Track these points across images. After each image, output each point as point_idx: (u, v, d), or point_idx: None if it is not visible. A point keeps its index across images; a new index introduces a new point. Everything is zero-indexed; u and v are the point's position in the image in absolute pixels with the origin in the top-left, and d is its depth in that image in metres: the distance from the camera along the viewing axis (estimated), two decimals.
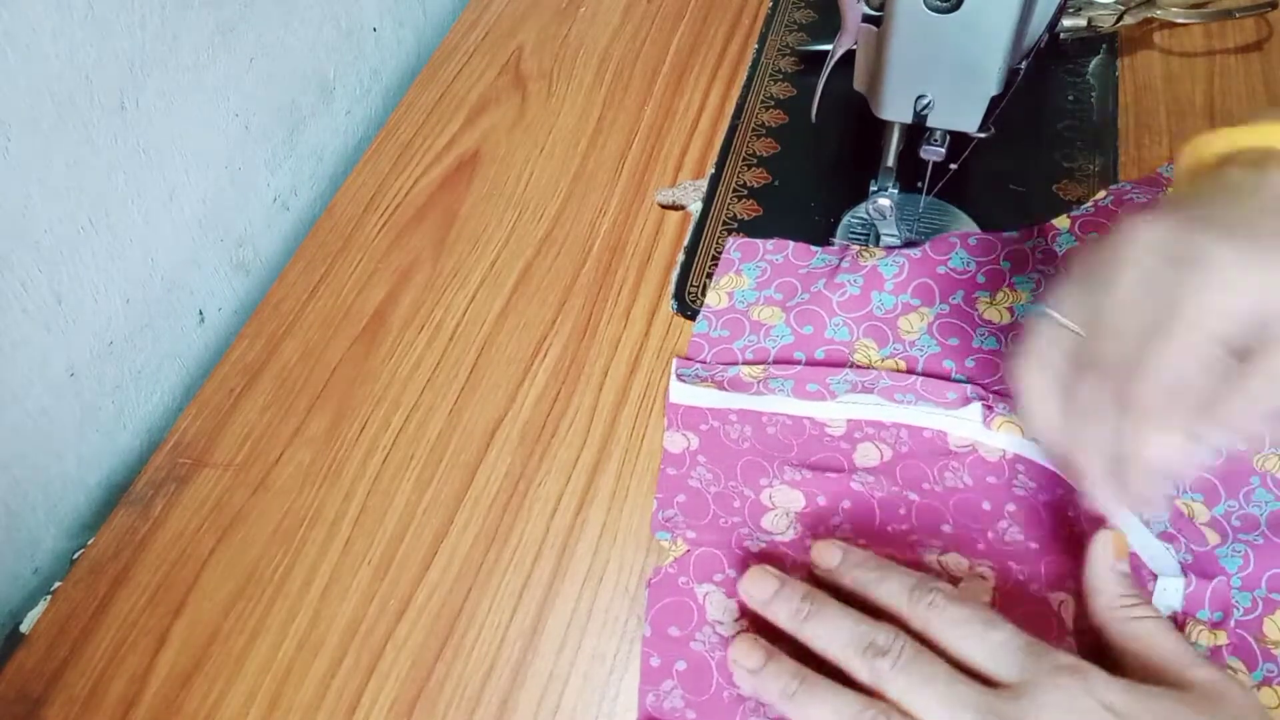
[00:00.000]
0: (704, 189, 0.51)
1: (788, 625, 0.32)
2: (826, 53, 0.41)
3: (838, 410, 0.39)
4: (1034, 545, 0.35)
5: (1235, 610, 0.33)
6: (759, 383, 0.40)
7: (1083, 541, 0.33)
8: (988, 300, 0.42)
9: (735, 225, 0.49)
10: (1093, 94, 0.53)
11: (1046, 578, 0.34)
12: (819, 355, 0.41)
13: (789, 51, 0.58)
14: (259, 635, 0.37)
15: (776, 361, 0.41)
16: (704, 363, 0.42)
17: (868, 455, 0.38)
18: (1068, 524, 0.35)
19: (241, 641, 0.37)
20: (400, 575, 0.38)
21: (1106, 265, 0.30)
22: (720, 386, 0.41)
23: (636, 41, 0.60)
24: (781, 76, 0.57)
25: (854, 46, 0.39)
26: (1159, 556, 0.34)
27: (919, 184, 0.44)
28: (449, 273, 0.49)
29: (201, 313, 0.50)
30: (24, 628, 0.38)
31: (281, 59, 0.52)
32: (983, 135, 0.38)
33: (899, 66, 0.36)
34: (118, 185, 0.42)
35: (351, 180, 0.54)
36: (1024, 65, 0.37)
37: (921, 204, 0.47)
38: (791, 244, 0.46)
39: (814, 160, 0.52)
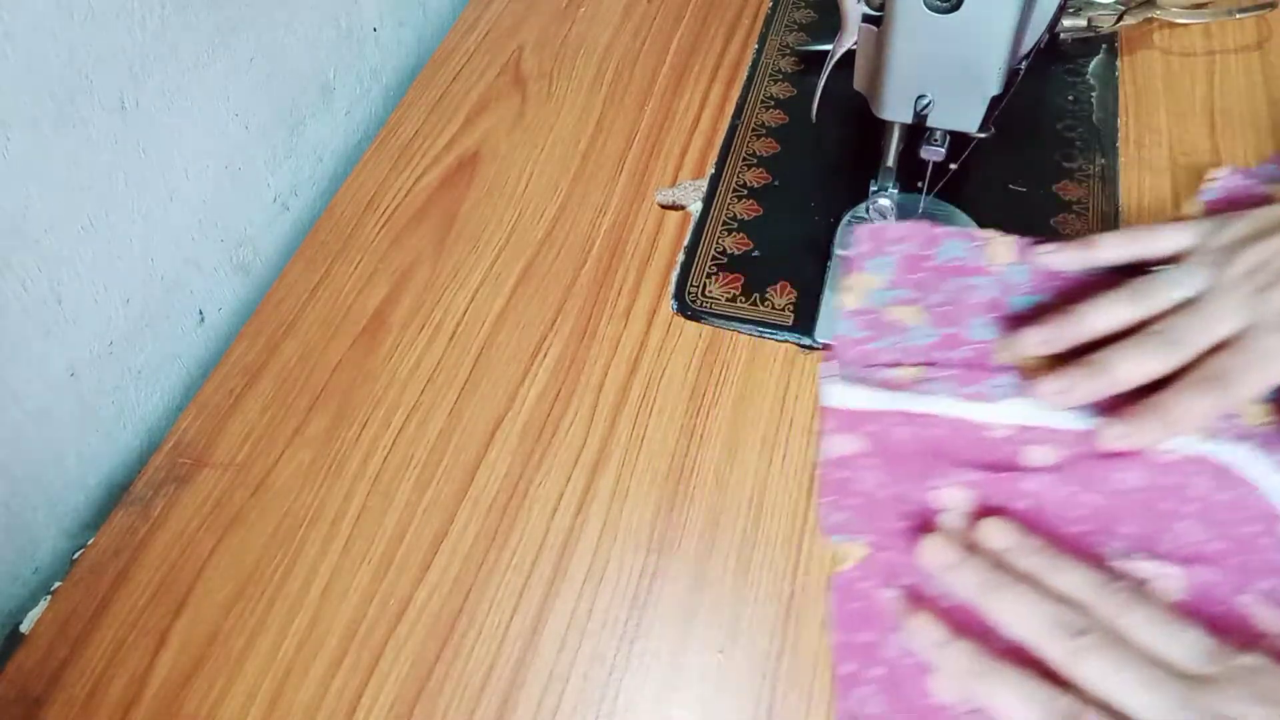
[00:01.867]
0: (704, 189, 0.51)
1: (974, 595, 0.33)
2: (826, 53, 0.41)
3: (1001, 414, 0.39)
4: (1218, 545, 0.35)
5: None
6: (916, 384, 0.40)
7: (1262, 541, 0.33)
8: None
9: (735, 225, 0.49)
10: (1093, 94, 0.53)
11: (1232, 583, 0.34)
12: (965, 355, 0.40)
13: (789, 51, 0.58)
14: (259, 635, 0.37)
15: (927, 363, 0.40)
16: (853, 365, 0.41)
17: (1035, 456, 0.38)
18: (1248, 523, 0.35)
19: (241, 641, 0.37)
20: (400, 575, 0.38)
21: None
22: (877, 388, 0.40)
23: (636, 41, 0.60)
24: (781, 76, 0.57)
25: (854, 46, 0.39)
26: None
27: (919, 184, 0.44)
28: (449, 273, 0.49)
29: (201, 313, 0.50)
30: (24, 628, 0.38)
31: (281, 59, 0.52)
32: (983, 135, 0.38)
33: (899, 66, 0.36)
34: (118, 185, 0.42)
35: (351, 180, 0.54)
36: (1024, 65, 0.37)
37: (921, 204, 0.47)
38: (908, 226, 0.43)
39: (814, 160, 0.52)
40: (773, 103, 0.55)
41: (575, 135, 0.55)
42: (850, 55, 0.39)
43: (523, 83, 0.58)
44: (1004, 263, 0.42)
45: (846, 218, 0.48)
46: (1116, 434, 0.36)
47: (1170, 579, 0.34)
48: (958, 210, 0.47)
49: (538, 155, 0.54)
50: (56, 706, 0.36)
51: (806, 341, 0.44)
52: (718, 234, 0.49)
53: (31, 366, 0.40)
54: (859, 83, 0.40)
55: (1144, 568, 0.34)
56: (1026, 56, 0.37)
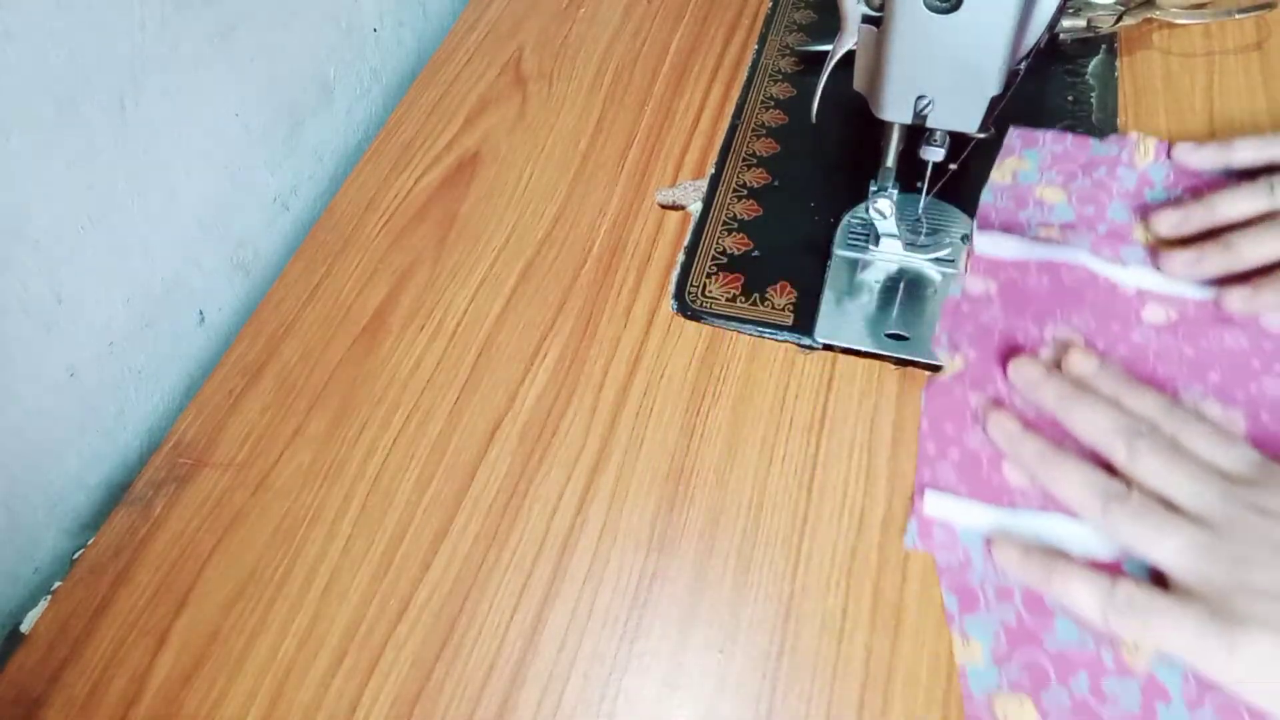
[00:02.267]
0: (704, 189, 0.51)
1: (1054, 405, 0.38)
2: (826, 53, 0.41)
3: (1128, 276, 0.44)
4: None
5: None
6: (1060, 242, 0.45)
7: None
8: None
9: (735, 225, 0.49)
10: (1092, 94, 0.53)
11: None
12: (1101, 231, 0.45)
13: (789, 51, 0.58)
14: (259, 635, 0.37)
15: (1067, 225, 0.46)
16: (1009, 224, 0.46)
17: (1154, 315, 0.43)
18: None
19: (241, 641, 0.37)
20: (400, 575, 0.38)
21: None
22: (1023, 239, 0.45)
23: (636, 41, 0.60)
24: (781, 76, 0.57)
25: (854, 47, 0.39)
26: None
27: (919, 184, 0.44)
28: (449, 273, 0.49)
29: (201, 313, 0.50)
30: (24, 628, 0.38)
31: (281, 59, 0.52)
32: (983, 135, 0.38)
33: (899, 66, 0.36)
34: (118, 185, 0.42)
35: (351, 180, 0.54)
36: (1024, 65, 0.37)
37: (921, 204, 0.47)
38: (1070, 136, 0.50)
39: (814, 160, 0.52)
40: (773, 103, 0.55)
41: (575, 135, 0.55)
42: (850, 55, 0.39)
43: (523, 83, 0.58)
44: (1146, 161, 0.48)
45: (846, 218, 0.48)
46: (1239, 297, 0.41)
47: (1234, 422, 0.38)
48: (958, 210, 0.47)
49: (538, 155, 0.54)
50: (56, 706, 0.36)
51: (806, 341, 0.44)
52: (718, 234, 0.49)
53: (31, 366, 0.40)
54: (859, 83, 0.40)
55: (1211, 407, 0.39)
56: (1026, 56, 0.37)
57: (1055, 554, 0.35)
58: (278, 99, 0.52)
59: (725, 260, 0.47)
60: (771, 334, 0.44)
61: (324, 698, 0.35)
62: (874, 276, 0.46)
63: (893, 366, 0.43)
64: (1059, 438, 0.38)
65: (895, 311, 0.44)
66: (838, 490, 0.39)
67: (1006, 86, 0.36)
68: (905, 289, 0.45)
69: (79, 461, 0.44)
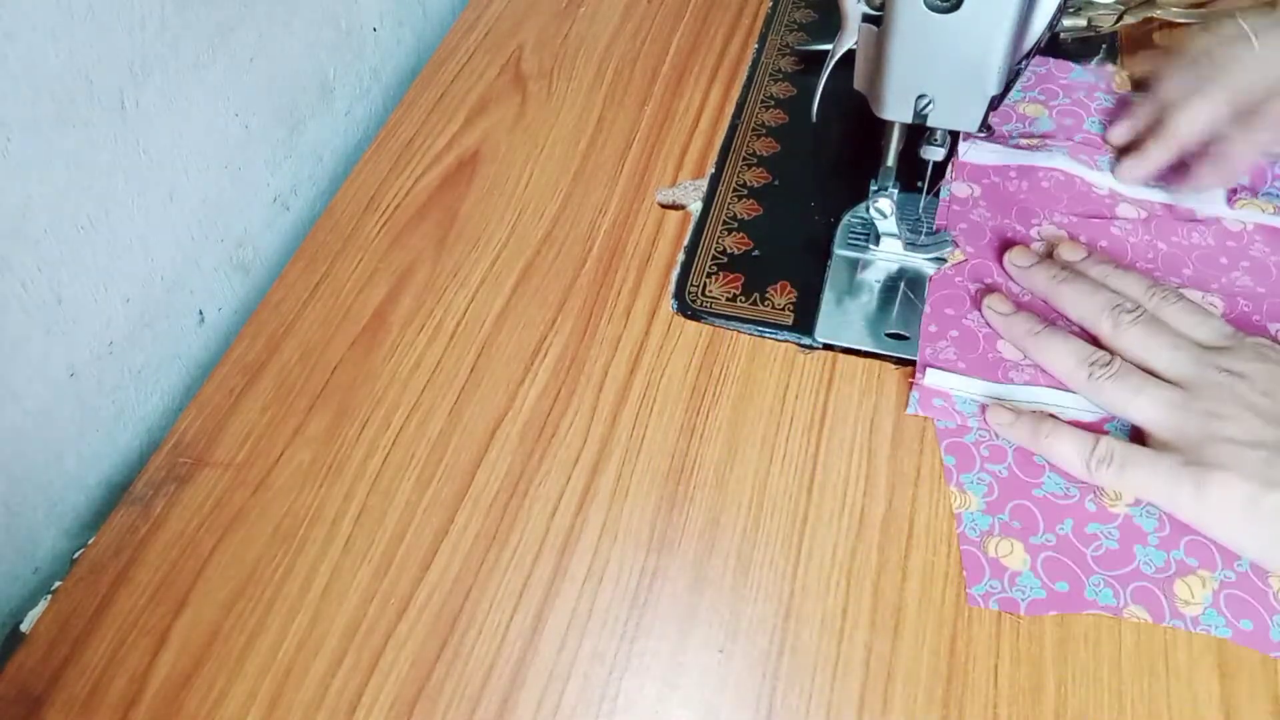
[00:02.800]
0: (704, 188, 0.51)
1: (1044, 287, 0.42)
2: (826, 52, 0.41)
3: (1103, 178, 0.48)
4: (1261, 290, 0.43)
5: None
6: (1038, 149, 0.49)
7: None
8: None
9: (735, 225, 0.49)
10: None
11: (1268, 312, 0.42)
12: (1078, 139, 0.49)
13: (789, 51, 0.58)
14: (259, 635, 0.37)
15: (1045, 136, 0.50)
16: (985, 137, 0.50)
17: (1127, 212, 0.47)
18: None
19: (241, 641, 0.37)
20: (400, 575, 0.38)
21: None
22: (1003, 147, 0.49)
23: (636, 41, 0.60)
24: (782, 76, 0.57)
25: (854, 46, 0.39)
26: None
27: (919, 184, 0.44)
28: (449, 272, 0.49)
29: (201, 313, 0.50)
30: (24, 627, 0.38)
31: (281, 59, 0.52)
32: (982, 135, 0.38)
33: (899, 66, 0.36)
34: (118, 185, 0.42)
35: (351, 180, 0.54)
36: (1024, 65, 0.37)
37: (922, 204, 0.47)
38: (1052, 59, 0.54)
39: (814, 160, 0.52)
40: (773, 102, 0.55)
41: (575, 135, 0.55)
42: (850, 55, 0.39)
43: (523, 83, 0.58)
44: (1125, 90, 0.52)
45: (846, 217, 0.48)
46: (1127, 168, 0.46)
47: (1212, 307, 0.42)
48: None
49: (538, 155, 0.54)
50: (57, 706, 0.36)
51: (806, 341, 0.44)
52: (718, 234, 0.49)
53: (31, 366, 0.40)
54: (859, 83, 0.40)
55: (1191, 293, 0.42)
56: (1026, 56, 0.37)
57: (1042, 415, 0.39)
58: (278, 99, 0.52)
59: (725, 260, 0.47)
60: (771, 334, 0.44)
61: (324, 698, 0.35)
62: (874, 276, 0.46)
63: (893, 366, 0.43)
64: (1050, 318, 0.41)
65: (895, 311, 0.44)
66: (838, 490, 0.39)
67: (1006, 86, 0.36)
68: (905, 288, 0.45)
69: (79, 461, 0.44)
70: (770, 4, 0.62)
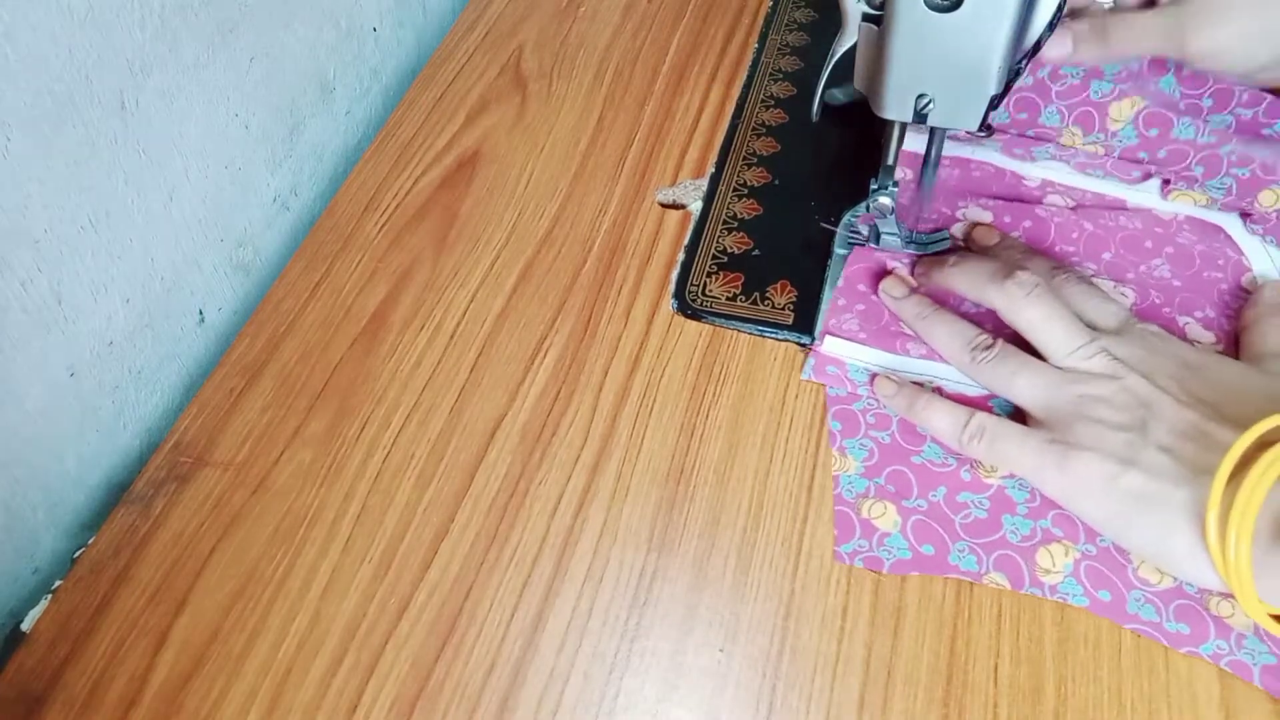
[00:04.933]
0: (704, 188, 0.51)
1: (935, 276, 0.42)
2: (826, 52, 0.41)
3: (1035, 169, 0.48)
4: (1177, 283, 0.43)
5: None
6: (972, 141, 0.49)
7: (1222, 286, 0.42)
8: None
9: (735, 224, 0.49)
10: None
11: (1180, 305, 0.42)
12: (1030, 134, 0.49)
13: (789, 51, 0.58)
14: (259, 635, 0.37)
15: (999, 127, 0.49)
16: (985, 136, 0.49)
17: (1055, 201, 0.47)
18: (1212, 269, 0.43)
19: (241, 641, 0.37)
20: (400, 575, 0.38)
21: None
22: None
23: (636, 41, 0.60)
24: (782, 75, 0.57)
25: (853, 45, 0.39)
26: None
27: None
28: (449, 272, 0.49)
29: (201, 313, 0.50)
30: (24, 627, 0.38)
31: (281, 59, 0.52)
32: (982, 135, 0.38)
33: (899, 66, 0.36)
34: (118, 185, 0.42)
35: (351, 180, 0.54)
36: (1024, 65, 0.37)
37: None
38: None
39: (814, 160, 0.52)
40: (773, 102, 0.55)
41: (575, 135, 0.55)
42: (851, 55, 0.39)
43: (523, 83, 0.58)
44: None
45: (847, 217, 0.48)
46: (1056, 44, 0.44)
47: (1123, 297, 0.42)
48: None
49: (538, 155, 0.54)
50: (57, 705, 0.36)
51: (806, 341, 0.44)
52: (718, 233, 0.49)
53: (31, 366, 0.40)
54: (859, 82, 0.40)
55: (1103, 282, 0.42)
56: (1027, 56, 0.37)
57: (921, 389, 0.40)
58: (278, 99, 0.52)
59: (725, 259, 0.47)
60: (772, 333, 0.44)
61: (324, 698, 0.35)
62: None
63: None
64: (946, 301, 0.43)
65: None
66: None
67: (1006, 86, 0.36)
68: None
69: (79, 461, 0.44)
70: (770, 4, 0.62)
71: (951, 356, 0.40)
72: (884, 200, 0.43)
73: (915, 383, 0.41)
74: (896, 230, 0.45)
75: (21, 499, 0.41)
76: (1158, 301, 0.42)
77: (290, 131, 0.54)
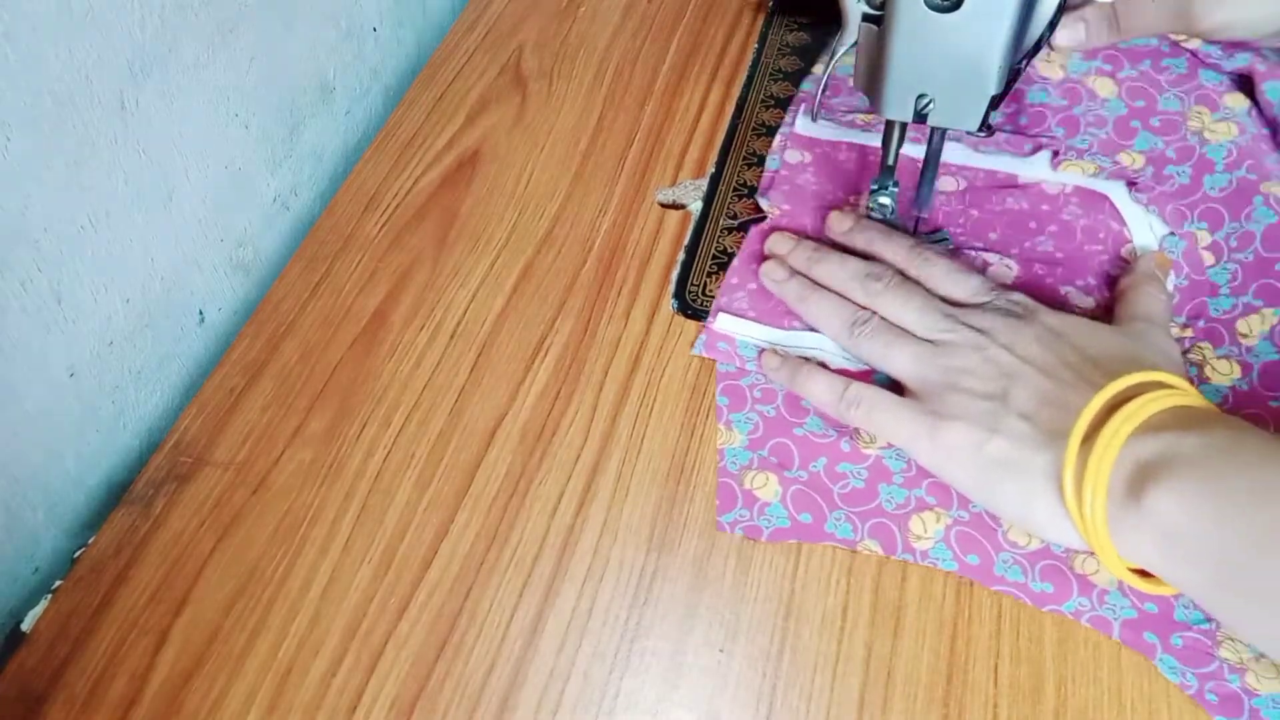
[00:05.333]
0: (704, 188, 0.51)
1: (803, 267, 0.44)
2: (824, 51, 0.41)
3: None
4: (1060, 255, 0.44)
5: (1213, 311, 0.41)
6: (870, 127, 0.51)
7: (1102, 258, 0.43)
8: (1085, 72, 0.50)
9: (735, 224, 0.49)
10: None
11: (1062, 275, 0.43)
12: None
13: (789, 51, 0.58)
14: (259, 634, 0.37)
15: (849, 111, 0.51)
16: (827, 108, 0.52)
17: (946, 184, 0.48)
18: (1093, 243, 0.44)
19: (241, 641, 0.37)
20: (400, 575, 0.38)
21: None
22: (835, 124, 0.51)
23: (636, 41, 0.60)
24: (782, 75, 0.57)
25: (853, 45, 0.39)
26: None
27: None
28: (449, 272, 0.49)
29: (201, 313, 0.50)
30: (25, 627, 0.38)
31: (281, 59, 0.52)
32: (982, 135, 0.38)
33: (899, 66, 0.37)
34: (118, 185, 0.42)
35: (351, 180, 0.54)
36: (1024, 65, 0.37)
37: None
38: None
39: None
40: (773, 102, 0.55)
41: (575, 135, 0.55)
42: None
43: (523, 83, 0.58)
44: None
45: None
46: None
47: (1008, 269, 0.44)
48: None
49: (538, 155, 0.54)
50: (57, 705, 0.36)
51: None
52: (718, 233, 0.49)
53: (31, 366, 0.40)
54: (859, 82, 0.40)
55: (987, 256, 0.44)
56: (1027, 56, 0.37)
57: (802, 361, 0.41)
58: (278, 99, 0.52)
59: (726, 259, 0.47)
60: None
61: (324, 698, 0.35)
62: None
63: None
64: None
65: None
66: None
67: (1006, 86, 0.36)
68: None
69: (79, 461, 0.44)
70: (770, 3, 0.62)
71: (832, 334, 0.42)
72: (884, 200, 0.43)
73: (802, 358, 0.42)
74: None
75: (21, 499, 0.41)
76: (1040, 273, 0.44)
77: (290, 131, 0.54)
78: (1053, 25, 0.36)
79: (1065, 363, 0.36)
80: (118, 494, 0.42)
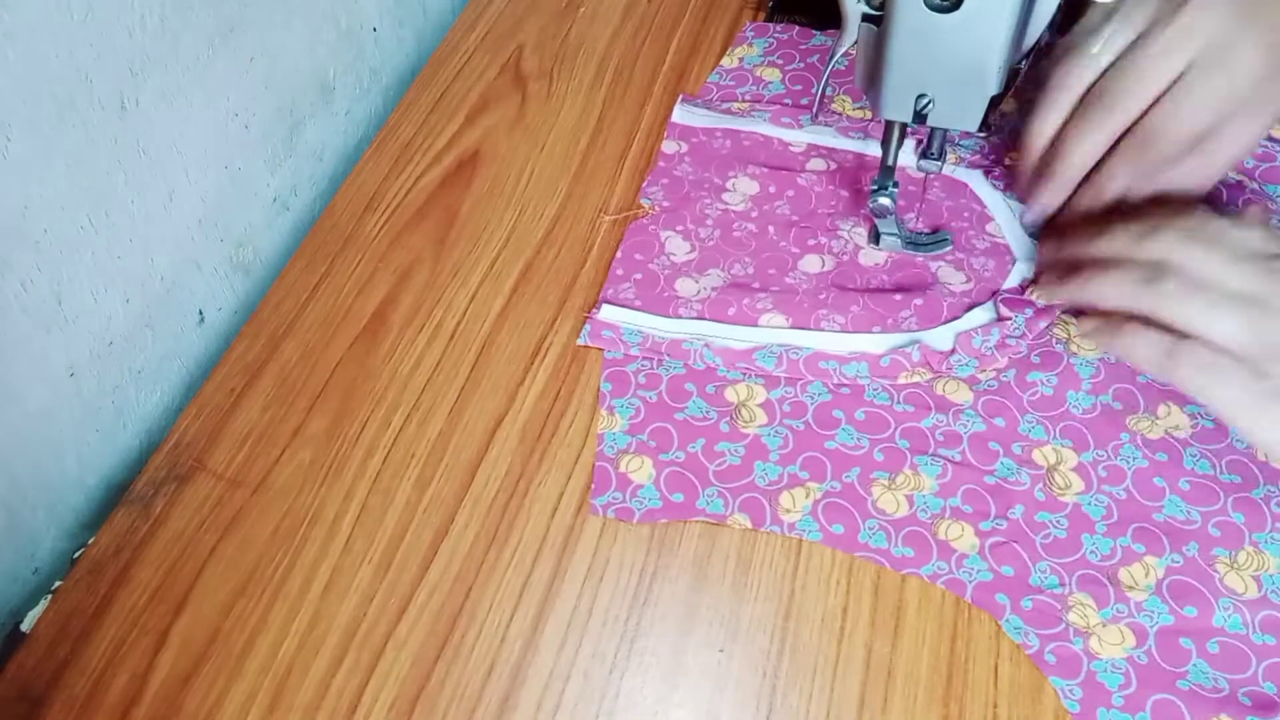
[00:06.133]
0: None
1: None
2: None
3: (803, 135, 0.51)
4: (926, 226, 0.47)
5: None
6: (744, 114, 0.53)
7: (970, 234, 0.46)
8: None
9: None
10: None
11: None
12: (804, 103, 0.54)
13: None
14: (259, 635, 0.37)
15: (756, 99, 0.54)
16: (707, 100, 0.55)
17: (817, 166, 0.50)
18: (960, 220, 0.47)
19: (241, 641, 0.37)
20: (400, 575, 0.38)
21: None
22: (712, 112, 0.54)
23: (636, 41, 0.60)
24: None
25: (853, 46, 0.38)
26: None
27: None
28: (449, 272, 0.49)
29: (201, 313, 0.50)
30: (25, 627, 0.38)
31: (281, 59, 0.52)
32: (982, 135, 0.38)
33: (899, 66, 0.36)
34: (118, 185, 0.42)
35: (351, 180, 0.54)
36: (1024, 65, 0.37)
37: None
38: (797, 28, 0.58)
39: None
40: None
41: (575, 135, 0.55)
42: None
43: (523, 82, 0.58)
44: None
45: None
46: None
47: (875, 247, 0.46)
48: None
49: (538, 155, 0.54)
50: (57, 705, 0.36)
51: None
52: None
53: (31, 366, 0.40)
54: (859, 82, 0.40)
55: (859, 233, 0.47)
56: (1026, 56, 0.37)
57: (1128, 320, 0.37)
58: (278, 99, 0.52)
59: None
60: None
61: (324, 698, 0.35)
62: None
63: None
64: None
65: None
66: None
67: (1006, 86, 0.36)
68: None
69: (79, 461, 0.44)
70: (770, 3, 0.62)
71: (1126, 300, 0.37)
72: (883, 200, 0.43)
73: (1128, 317, 0.38)
74: (896, 230, 0.45)
75: (21, 499, 0.41)
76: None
77: (290, 131, 0.54)
78: (1053, 25, 0.36)
79: None
80: (118, 494, 0.42)
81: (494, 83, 0.58)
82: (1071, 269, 0.40)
